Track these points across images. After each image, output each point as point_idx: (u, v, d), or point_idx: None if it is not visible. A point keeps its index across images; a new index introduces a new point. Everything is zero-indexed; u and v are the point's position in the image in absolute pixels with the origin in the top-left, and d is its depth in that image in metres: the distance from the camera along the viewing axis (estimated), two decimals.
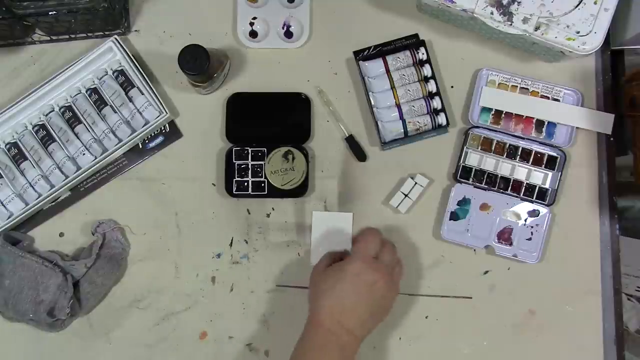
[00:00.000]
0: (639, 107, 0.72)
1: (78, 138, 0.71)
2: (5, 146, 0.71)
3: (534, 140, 0.72)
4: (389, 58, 0.72)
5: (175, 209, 0.73)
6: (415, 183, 0.72)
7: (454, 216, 0.72)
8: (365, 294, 0.60)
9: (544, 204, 0.72)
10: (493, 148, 0.72)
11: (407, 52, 0.72)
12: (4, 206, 0.71)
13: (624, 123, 0.76)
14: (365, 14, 0.75)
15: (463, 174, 0.72)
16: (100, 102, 0.72)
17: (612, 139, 0.73)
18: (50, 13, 0.65)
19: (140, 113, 0.72)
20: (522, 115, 0.73)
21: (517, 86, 0.73)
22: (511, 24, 0.64)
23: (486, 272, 0.73)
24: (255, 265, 0.73)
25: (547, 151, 0.72)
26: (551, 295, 0.72)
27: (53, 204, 0.73)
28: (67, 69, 0.71)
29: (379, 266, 0.62)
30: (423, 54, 0.72)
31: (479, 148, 0.73)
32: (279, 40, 0.74)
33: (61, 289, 0.67)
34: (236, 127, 0.73)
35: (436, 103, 0.72)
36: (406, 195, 0.72)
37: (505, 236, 0.72)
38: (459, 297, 0.72)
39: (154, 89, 0.72)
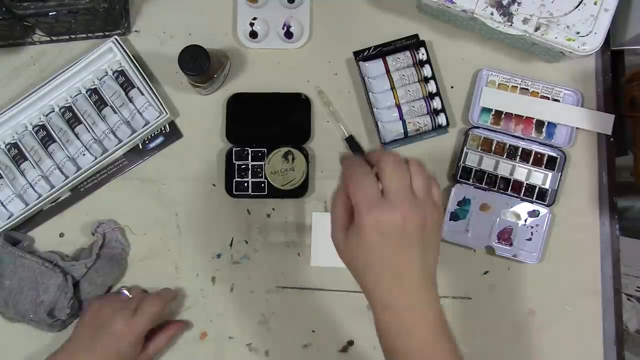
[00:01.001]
0: (639, 107, 0.72)
1: (78, 138, 0.71)
2: (6, 146, 0.71)
3: (534, 141, 0.72)
4: (389, 58, 0.72)
5: (176, 209, 0.73)
6: None
7: (454, 216, 0.72)
8: (402, 239, 0.47)
9: (544, 204, 0.72)
10: (493, 148, 0.72)
11: (407, 53, 0.72)
12: (4, 206, 0.70)
13: (624, 123, 0.75)
14: (365, 14, 0.75)
15: (463, 174, 0.72)
16: (100, 103, 0.72)
17: (612, 139, 0.73)
18: (50, 13, 0.65)
19: (141, 113, 0.72)
20: (522, 116, 0.73)
21: (517, 86, 0.73)
22: (511, 25, 0.64)
23: (486, 272, 0.73)
24: (255, 266, 0.73)
25: (547, 151, 0.72)
26: (551, 295, 0.72)
27: (53, 204, 0.73)
28: (67, 69, 0.71)
29: (390, 199, 0.47)
30: (423, 54, 0.72)
31: (479, 148, 0.73)
32: (279, 40, 0.74)
33: (61, 290, 0.67)
34: (236, 127, 0.73)
35: (436, 103, 0.72)
36: None
37: (505, 236, 0.72)
38: (458, 297, 0.72)
39: (154, 90, 0.72)
